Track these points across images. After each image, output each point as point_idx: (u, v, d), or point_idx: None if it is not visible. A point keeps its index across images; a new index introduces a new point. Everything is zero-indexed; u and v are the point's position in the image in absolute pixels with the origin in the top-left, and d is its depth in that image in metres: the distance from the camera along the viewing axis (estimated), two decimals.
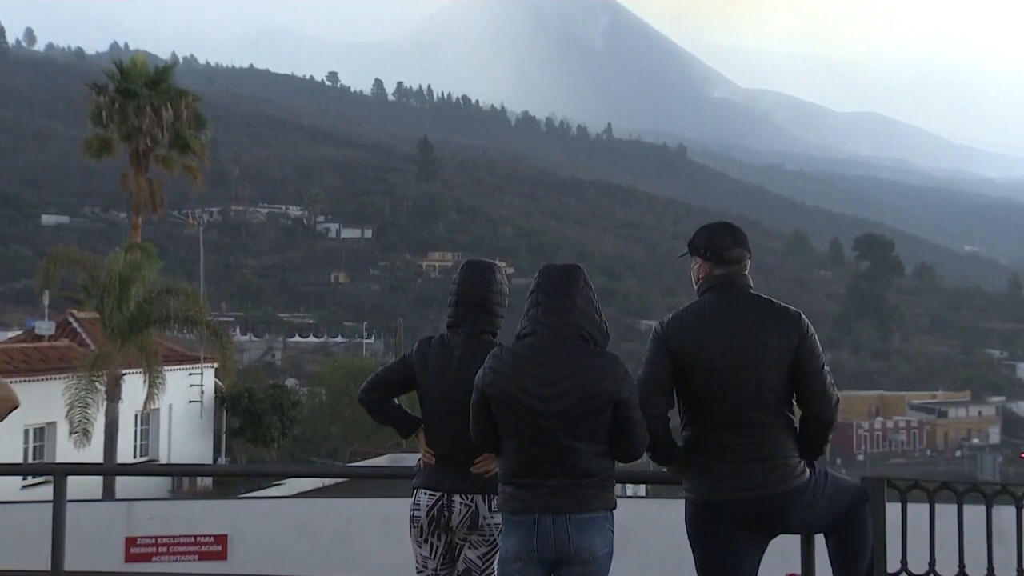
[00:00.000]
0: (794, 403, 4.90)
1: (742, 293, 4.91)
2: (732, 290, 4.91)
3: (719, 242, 5.00)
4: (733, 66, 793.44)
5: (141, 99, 34.91)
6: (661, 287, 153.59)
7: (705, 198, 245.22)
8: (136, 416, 31.99)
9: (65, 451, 26.55)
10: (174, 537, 13.66)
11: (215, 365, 33.58)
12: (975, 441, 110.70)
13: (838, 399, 4.95)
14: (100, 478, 23.66)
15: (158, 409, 31.04)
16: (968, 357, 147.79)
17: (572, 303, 4.65)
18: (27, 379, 26.92)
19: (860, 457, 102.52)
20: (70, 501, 7.02)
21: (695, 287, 5.07)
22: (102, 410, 26.50)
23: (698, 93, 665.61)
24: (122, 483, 24.90)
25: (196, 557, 13.47)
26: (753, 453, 4.78)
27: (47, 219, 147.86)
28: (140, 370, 27.01)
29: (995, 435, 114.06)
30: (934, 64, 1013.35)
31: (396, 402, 5.43)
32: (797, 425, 4.92)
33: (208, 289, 70.31)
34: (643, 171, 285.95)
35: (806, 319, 4.86)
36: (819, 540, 5.35)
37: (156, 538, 13.61)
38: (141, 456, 33.41)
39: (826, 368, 4.88)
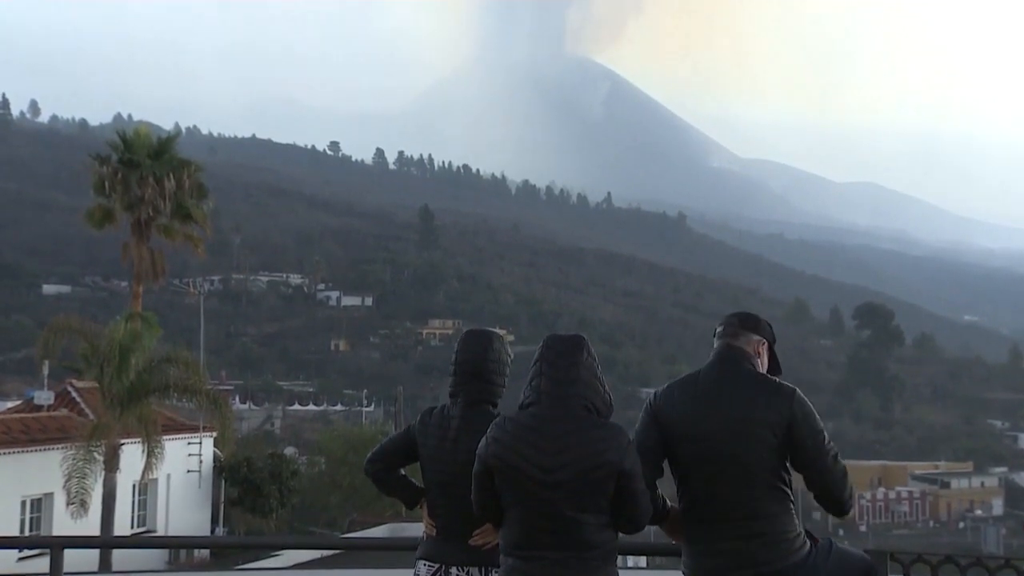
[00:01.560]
0: (789, 476, 4.86)
1: (738, 369, 4.90)
2: (728, 365, 4.91)
3: (726, 320, 5.05)
4: (731, 136, 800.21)
5: (144, 169, 35.14)
6: (661, 355, 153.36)
7: (705, 267, 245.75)
8: (134, 486, 31.77)
9: (62, 522, 26.33)
10: None
11: (214, 434, 33.43)
12: (978, 512, 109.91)
13: (846, 472, 4.89)
14: (97, 550, 23.45)
15: (156, 479, 30.86)
16: (970, 427, 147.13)
17: (576, 373, 4.65)
18: (25, 450, 26.79)
19: (863, 528, 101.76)
20: (66, 574, 6.98)
21: None
22: (100, 480, 26.33)
23: (697, 162, 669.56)
24: (119, 555, 24.66)
25: None
26: (749, 529, 4.72)
27: (48, 288, 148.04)
28: (139, 440, 26.88)
29: (998, 507, 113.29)
30: (931, 135, 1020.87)
31: (401, 473, 5.43)
32: (796, 501, 4.87)
33: (208, 357, 70.20)
34: (643, 239, 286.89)
35: (802, 396, 4.80)
36: None
37: None
38: (139, 527, 33.13)
39: (830, 444, 4.83)
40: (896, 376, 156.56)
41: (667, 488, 4.94)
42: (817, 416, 4.81)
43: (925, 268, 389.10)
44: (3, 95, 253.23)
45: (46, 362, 29.36)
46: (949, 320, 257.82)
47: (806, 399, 4.78)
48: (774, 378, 4.87)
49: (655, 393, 5.02)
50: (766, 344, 5.06)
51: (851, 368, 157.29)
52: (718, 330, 5.04)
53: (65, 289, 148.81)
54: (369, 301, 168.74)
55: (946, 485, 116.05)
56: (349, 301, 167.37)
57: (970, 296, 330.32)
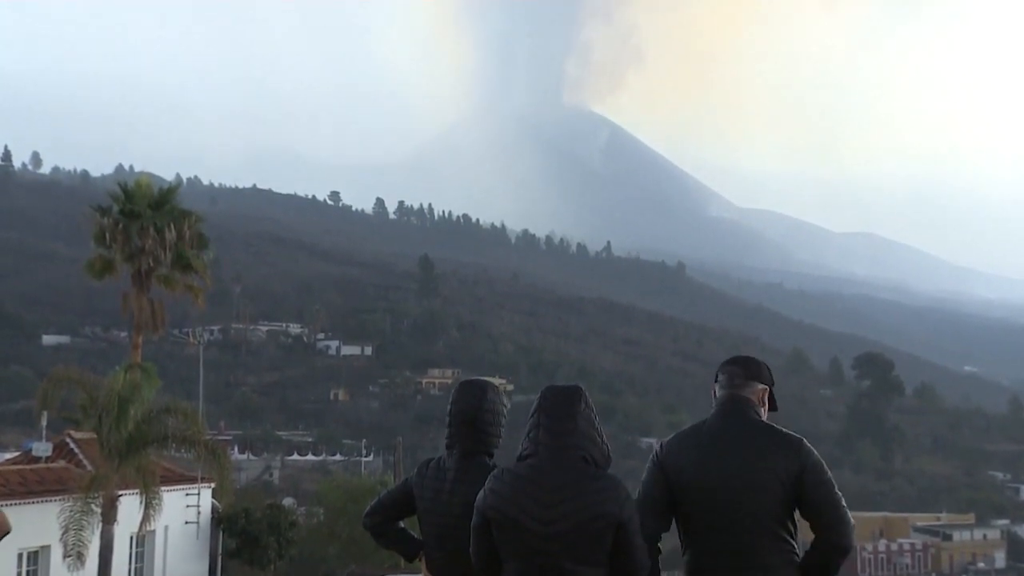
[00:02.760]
0: (795, 527, 4.86)
1: (745, 419, 4.91)
2: (734, 415, 4.92)
3: (729, 370, 5.06)
4: (729, 185, 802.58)
5: (144, 220, 35.26)
6: (661, 404, 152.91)
7: (704, 316, 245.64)
8: (131, 538, 31.56)
9: (59, 575, 26.16)
10: None
11: (212, 485, 33.29)
12: (980, 565, 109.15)
13: (853, 525, 4.91)
14: None
15: (154, 531, 30.66)
16: (971, 479, 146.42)
17: (574, 425, 4.66)
18: (22, 502, 26.65)
19: None
20: None
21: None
22: (97, 532, 26.18)
23: (696, 212, 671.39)
24: None
25: None
26: None
27: (48, 339, 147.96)
28: (137, 491, 26.75)
29: (1000, 559, 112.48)
30: (929, 186, 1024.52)
31: (400, 525, 5.43)
32: (800, 552, 4.87)
33: (207, 407, 70.01)
34: (642, 289, 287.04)
35: (808, 446, 4.82)
36: None
37: None
38: None
39: (838, 494, 4.85)
40: (896, 426, 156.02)
41: (669, 539, 4.94)
42: (825, 465, 4.84)
43: (924, 318, 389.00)
44: (5, 147, 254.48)
45: (45, 413, 29.29)
46: (949, 370, 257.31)
47: (813, 448, 4.81)
48: (781, 428, 4.89)
49: (661, 444, 5.03)
50: (767, 390, 5.09)
51: (851, 418, 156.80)
52: (721, 378, 5.06)
53: (64, 339, 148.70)
54: (369, 350, 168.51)
55: (948, 537, 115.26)
56: (349, 350, 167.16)
57: (969, 346, 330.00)
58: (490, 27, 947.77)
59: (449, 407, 5.34)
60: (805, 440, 4.86)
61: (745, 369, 5.05)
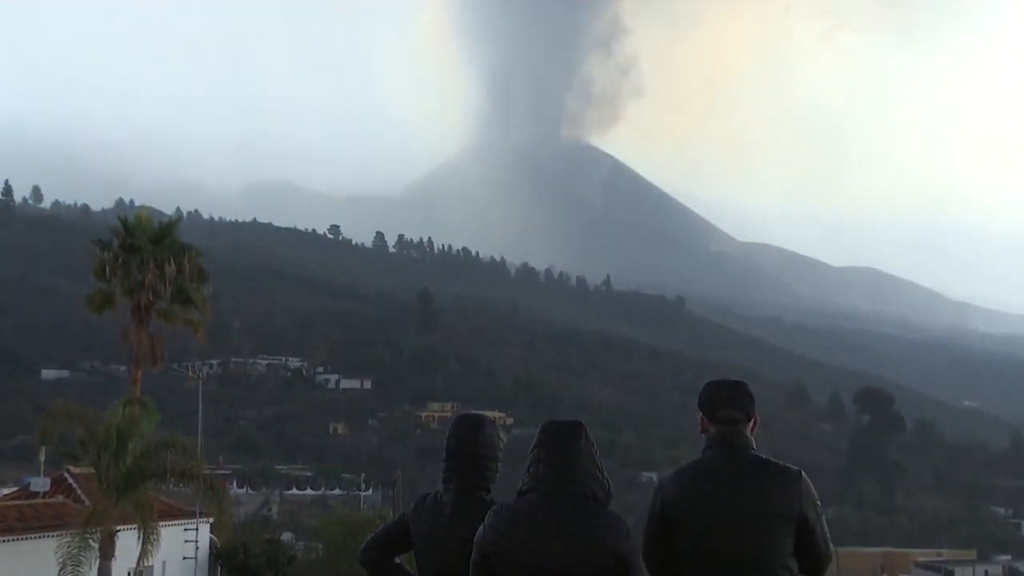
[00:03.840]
0: (795, 564, 4.83)
1: (741, 454, 4.89)
2: (730, 450, 4.89)
3: (714, 400, 5.03)
4: (729, 220, 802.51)
5: (144, 254, 35.34)
6: (661, 439, 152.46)
7: (705, 350, 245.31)
8: (129, 573, 31.40)
9: None
10: None
11: (211, 520, 33.18)
12: None
13: (831, 557, 4.91)
14: None
15: (152, 566, 30.51)
16: (973, 514, 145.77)
17: (575, 460, 4.65)
18: (20, 537, 26.56)
19: None
20: None
21: (702, 440, 5.08)
22: (95, 568, 26.07)
23: (695, 246, 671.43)
24: None
25: None
26: None
27: (47, 373, 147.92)
28: (135, 526, 26.66)
29: None
30: (928, 220, 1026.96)
31: (396, 561, 5.41)
32: None
33: (206, 442, 69.74)
34: (642, 323, 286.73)
35: (807, 479, 4.83)
36: None
37: None
38: None
39: (825, 526, 4.85)
40: (897, 462, 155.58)
41: None
42: (816, 497, 4.84)
43: (925, 353, 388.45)
44: (6, 181, 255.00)
45: (43, 448, 29.26)
46: (950, 405, 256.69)
47: (809, 481, 4.80)
48: (778, 462, 4.87)
49: (661, 482, 5.00)
50: (756, 419, 5.08)
51: (852, 453, 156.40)
52: (719, 414, 5.00)
53: (64, 374, 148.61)
54: (368, 384, 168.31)
55: (950, 573, 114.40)
56: (348, 384, 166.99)
57: (970, 381, 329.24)
58: (489, 60, 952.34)
59: (446, 442, 5.34)
60: (803, 473, 4.86)
61: (737, 403, 5.02)
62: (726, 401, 5.00)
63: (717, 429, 4.97)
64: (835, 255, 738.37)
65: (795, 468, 4.86)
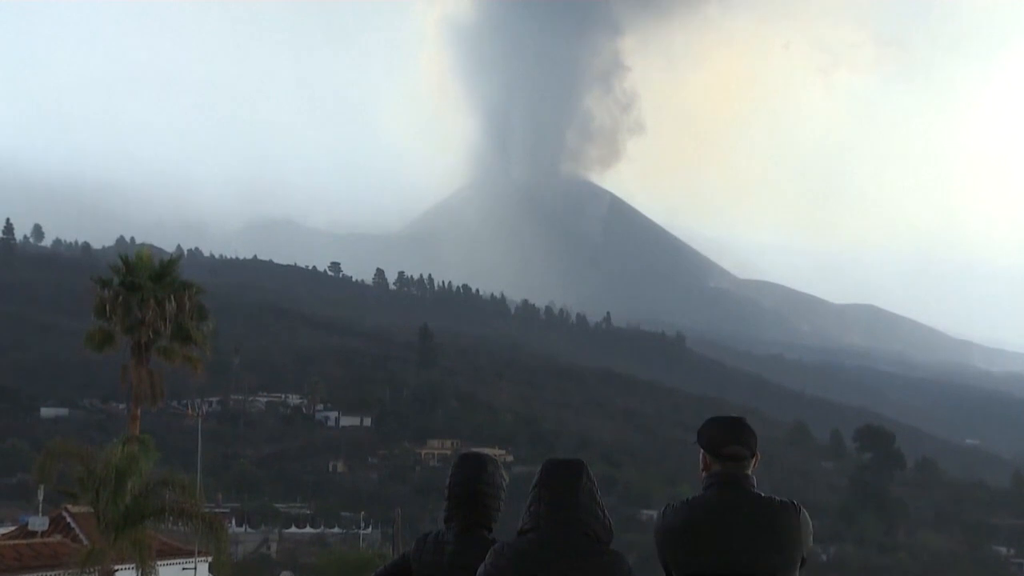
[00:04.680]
0: None
1: (745, 492, 4.87)
2: (732, 489, 4.87)
3: (718, 437, 5.00)
4: (729, 257, 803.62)
5: (145, 292, 35.43)
6: (662, 475, 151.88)
7: (705, 386, 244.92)
8: None
9: None
10: None
11: (209, 559, 33.02)
12: None
13: None
14: None
15: None
16: (975, 553, 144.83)
17: (575, 499, 4.65)
18: None
19: None
20: None
21: (701, 477, 5.04)
22: None
23: (695, 283, 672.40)
24: None
25: None
26: None
27: (46, 411, 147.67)
28: (133, 565, 26.54)
29: None
30: (927, 258, 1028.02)
31: None
32: None
33: (205, 480, 69.56)
34: (642, 359, 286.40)
35: (805, 513, 4.83)
36: None
37: None
38: None
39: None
40: (899, 500, 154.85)
41: None
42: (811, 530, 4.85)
43: (925, 390, 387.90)
44: (7, 220, 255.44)
45: (41, 487, 29.18)
46: (951, 443, 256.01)
47: (807, 514, 4.80)
48: (780, 499, 4.86)
49: (664, 521, 4.95)
50: (758, 457, 5.07)
51: (853, 491, 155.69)
52: (725, 451, 4.96)
53: (63, 412, 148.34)
54: (368, 421, 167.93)
55: None
56: (348, 421, 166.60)
57: (971, 419, 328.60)
58: (489, 97, 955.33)
59: (448, 480, 5.32)
60: (803, 508, 4.86)
61: (742, 441, 5.01)
62: (732, 438, 4.98)
63: (722, 466, 4.95)
64: (834, 292, 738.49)
65: (794, 503, 4.86)
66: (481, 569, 4.71)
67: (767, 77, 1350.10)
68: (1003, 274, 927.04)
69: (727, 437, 4.98)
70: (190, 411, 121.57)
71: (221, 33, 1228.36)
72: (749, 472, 4.96)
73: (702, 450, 5.03)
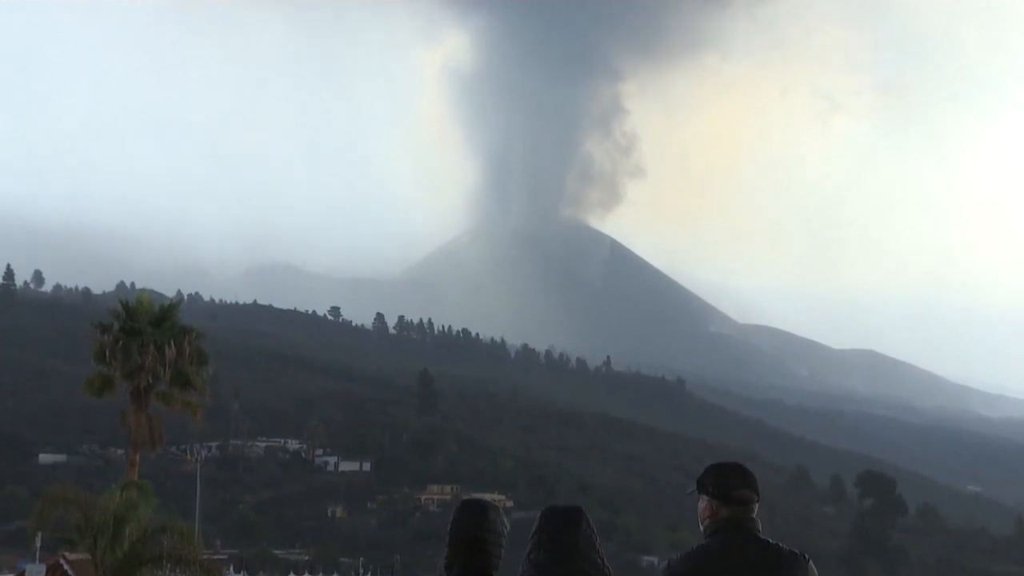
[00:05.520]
0: None
1: (751, 538, 4.87)
2: (740, 534, 4.88)
3: (727, 481, 5.00)
4: (729, 302, 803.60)
5: (145, 337, 35.47)
6: (662, 521, 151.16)
7: (705, 431, 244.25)
8: None
9: None
10: None
11: None
12: None
13: None
14: None
15: None
16: None
17: (575, 546, 4.67)
18: None
19: None
20: None
21: (701, 526, 5.03)
22: None
23: (695, 328, 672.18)
24: None
25: None
26: None
27: (44, 458, 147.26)
28: None
29: None
30: (926, 303, 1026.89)
31: None
32: None
33: (203, 526, 69.36)
34: (642, 404, 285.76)
35: (812, 566, 4.84)
36: None
37: None
38: None
39: None
40: (901, 547, 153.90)
41: None
42: None
43: (926, 436, 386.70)
44: (8, 266, 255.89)
45: (39, 534, 29.09)
46: (952, 490, 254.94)
47: (814, 566, 4.81)
48: (788, 548, 4.86)
49: (672, 571, 4.92)
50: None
51: (854, 537, 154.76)
52: (735, 494, 4.95)
53: (61, 458, 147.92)
54: (367, 466, 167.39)
55: None
56: (347, 466, 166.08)
57: (972, 465, 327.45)
58: (488, 142, 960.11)
59: (449, 527, 5.32)
60: (810, 560, 4.86)
61: (748, 484, 5.02)
62: (740, 481, 5.00)
63: (731, 511, 4.95)
64: (834, 337, 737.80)
65: (804, 554, 4.87)
66: None
67: (766, 123, 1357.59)
68: (1003, 319, 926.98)
69: (735, 481, 5.00)
70: (189, 456, 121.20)
71: (222, 79, 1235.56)
72: (756, 517, 4.98)
73: (706, 498, 5.03)
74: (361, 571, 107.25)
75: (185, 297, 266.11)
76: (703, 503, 5.04)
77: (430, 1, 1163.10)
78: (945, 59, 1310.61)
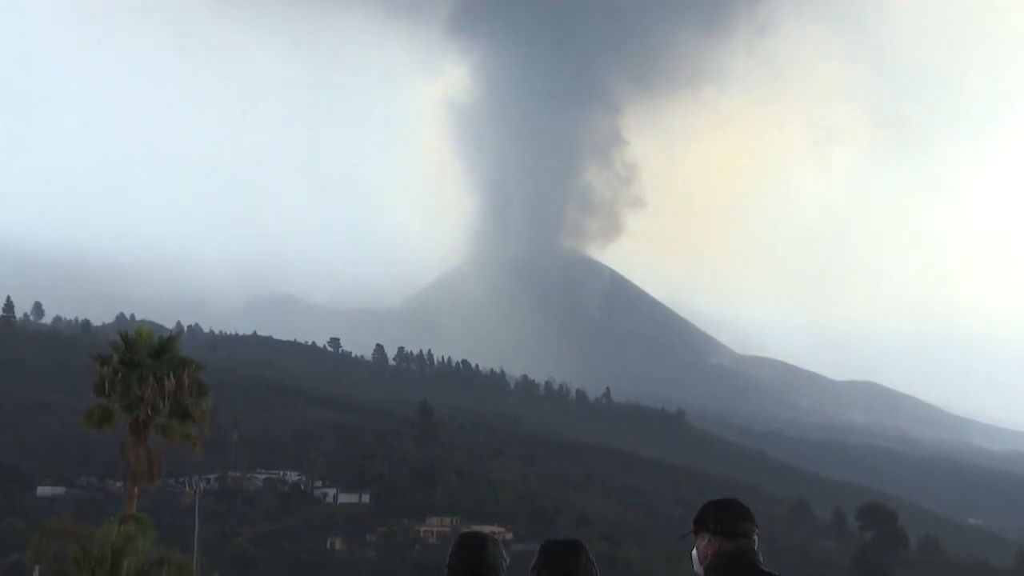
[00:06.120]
0: None
1: (755, 571, 4.88)
2: (746, 568, 4.88)
3: (729, 516, 5.01)
4: (729, 333, 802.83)
5: (144, 369, 35.48)
6: (663, 553, 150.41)
7: (705, 463, 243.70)
8: None
9: None
10: None
11: None
12: None
13: None
14: None
15: None
16: None
17: None
18: None
19: None
20: None
21: (699, 567, 5.01)
22: None
23: (695, 359, 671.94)
24: None
25: None
26: None
27: (42, 490, 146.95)
28: None
29: None
30: (927, 335, 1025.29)
31: None
32: None
33: (201, 559, 69.09)
34: (642, 435, 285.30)
35: None
36: None
37: None
38: None
39: None
40: None
41: None
42: None
43: (926, 468, 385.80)
44: (7, 298, 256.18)
45: (36, 567, 28.98)
46: (953, 522, 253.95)
47: None
48: None
49: None
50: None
51: (856, 570, 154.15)
52: (739, 527, 4.95)
53: (59, 490, 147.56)
54: (367, 498, 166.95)
55: None
56: (346, 498, 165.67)
57: (973, 498, 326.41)
58: (488, 173, 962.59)
59: (448, 560, 5.32)
60: None
61: (748, 518, 5.03)
62: (743, 515, 5.01)
63: (735, 545, 4.95)
64: (835, 369, 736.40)
65: None
66: None
67: (764, 155, 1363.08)
68: (1002, 351, 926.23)
69: (738, 514, 5.01)
70: (188, 489, 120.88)
71: (221, 110, 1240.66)
72: (756, 548, 4.99)
73: (707, 536, 5.03)
74: None
75: (185, 328, 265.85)
76: (703, 541, 5.04)
77: (431, 34, 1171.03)
78: (942, 91, 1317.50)
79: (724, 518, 5.01)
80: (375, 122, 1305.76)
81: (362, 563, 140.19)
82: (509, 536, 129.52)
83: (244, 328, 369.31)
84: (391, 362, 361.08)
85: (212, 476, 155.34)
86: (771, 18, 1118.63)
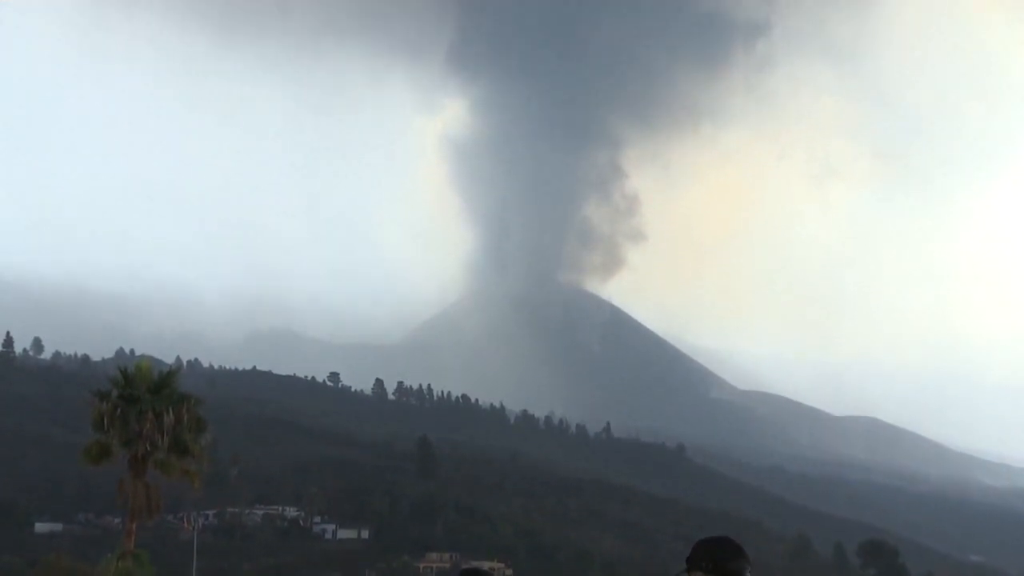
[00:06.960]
0: None
1: None
2: None
3: (722, 554, 5.07)
4: (729, 368, 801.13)
5: (143, 405, 35.52)
6: None
7: (705, 498, 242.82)
8: None
9: None
10: None
11: None
12: None
13: None
14: None
15: None
16: None
17: None
18: None
19: None
20: None
21: None
22: None
23: (696, 394, 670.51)
24: None
25: None
26: None
27: (40, 527, 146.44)
28: None
29: None
30: (928, 371, 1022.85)
31: None
32: None
33: None
34: (642, 470, 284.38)
35: None
36: None
37: None
38: None
39: None
40: None
41: None
42: None
43: (928, 505, 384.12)
44: (7, 333, 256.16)
45: None
46: (955, 559, 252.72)
47: None
48: None
49: None
50: None
51: None
52: (731, 565, 4.99)
53: (57, 527, 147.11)
54: (366, 534, 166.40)
55: None
56: (345, 534, 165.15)
57: (974, 535, 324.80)
58: (487, 208, 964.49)
59: None
60: None
61: (746, 559, 5.08)
62: (736, 552, 5.07)
63: None
64: (835, 404, 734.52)
65: None
66: None
67: (764, 190, 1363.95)
68: (1004, 387, 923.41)
69: (729, 553, 5.07)
70: (186, 524, 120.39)
71: (222, 147, 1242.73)
72: None
73: (701, 574, 5.08)
74: None
75: (184, 363, 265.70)
76: None
77: (430, 71, 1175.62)
78: (942, 125, 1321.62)
79: (717, 556, 5.08)
80: (375, 158, 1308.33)
81: None
82: (509, 571, 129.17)
83: (244, 363, 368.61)
84: (391, 397, 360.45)
85: (211, 511, 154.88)
86: (769, 54, 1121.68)
